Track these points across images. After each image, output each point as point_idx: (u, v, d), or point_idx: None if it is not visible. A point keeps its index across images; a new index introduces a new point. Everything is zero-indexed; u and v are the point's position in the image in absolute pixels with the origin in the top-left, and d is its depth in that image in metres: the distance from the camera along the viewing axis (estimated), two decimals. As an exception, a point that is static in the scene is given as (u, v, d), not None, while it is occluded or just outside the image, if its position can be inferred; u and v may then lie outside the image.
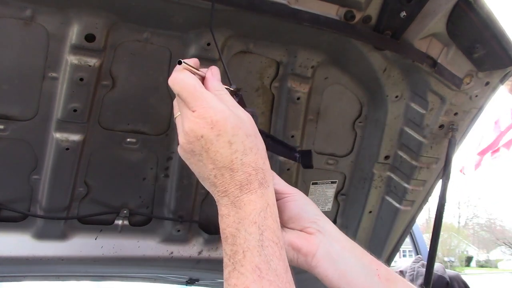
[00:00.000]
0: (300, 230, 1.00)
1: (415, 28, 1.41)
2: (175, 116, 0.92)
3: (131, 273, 1.99)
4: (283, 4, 1.27)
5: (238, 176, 0.80)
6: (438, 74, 1.53)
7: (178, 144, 0.87)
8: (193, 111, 0.82)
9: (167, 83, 0.90)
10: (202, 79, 0.91)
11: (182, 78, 0.86)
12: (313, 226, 1.00)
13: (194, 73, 0.88)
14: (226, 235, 0.81)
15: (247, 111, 1.00)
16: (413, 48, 1.46)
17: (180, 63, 0.87)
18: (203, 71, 0.92)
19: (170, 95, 1.52)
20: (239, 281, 0.74)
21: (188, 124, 0.82)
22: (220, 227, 0.83)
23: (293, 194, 1.03)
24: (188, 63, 0.88)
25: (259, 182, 0.81)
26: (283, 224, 1.01)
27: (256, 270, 0.74)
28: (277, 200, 1.01)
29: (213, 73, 0.92)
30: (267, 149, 1.05)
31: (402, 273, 2.50)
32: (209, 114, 0.81)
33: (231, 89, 1.06)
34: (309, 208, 1.03)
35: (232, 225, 0.80)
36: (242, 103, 1.06)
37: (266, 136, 1.11)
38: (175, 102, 0.92)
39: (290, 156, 1.20)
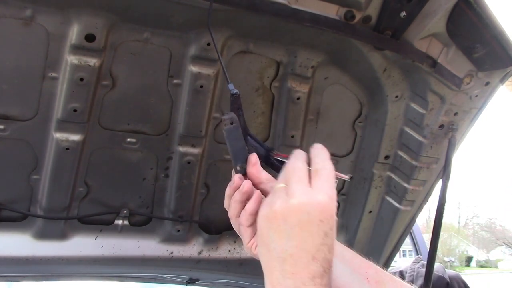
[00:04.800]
0: None
1: (415, 28, 1.41)
2: (277, 186, 0.87)
3: (131, 273, 1.99)
4: (283, 4, 1.27)
5: (315, 267, 0.78)
6: (438, 74, 1.53)
7: (270, 207, 0.83)
8: (315, 188, 0.81)
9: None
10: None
11: (331, 162, 0.86)
12: None
13: None
14: None
15: (225, 116, 1.01)
16: (413, 48, 1.46)
17: (352, 178, 0.89)
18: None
19: (170, 95, 1.53)
20: None
21: (302, 196, 0.79)
22: None
23: None
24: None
25: (327, 281, 0.80)
26: None
27: None
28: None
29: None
30: (249, 151, 1.03)
31: (402, 273, 2.49)
32: (326, 199, 0.80)
33: (232, 93, 1.05)
34: None
35: None
36: (238, 107, 1.05)
37: (256, 142, 1.08)
38: (283, 177, 0.88)
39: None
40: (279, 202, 0.81)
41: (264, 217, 0.84)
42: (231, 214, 1.05)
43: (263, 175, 1.00)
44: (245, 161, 1.02)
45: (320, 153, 0.89)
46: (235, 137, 1.03)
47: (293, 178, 0.84)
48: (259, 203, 0.97)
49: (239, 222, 1.03)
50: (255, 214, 0.97)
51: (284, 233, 0.80)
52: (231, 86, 1.05)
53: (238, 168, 1.02)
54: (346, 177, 0.93)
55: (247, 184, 0.98)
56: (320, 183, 0.82)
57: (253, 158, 1.00)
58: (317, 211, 0.78)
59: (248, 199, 0.99)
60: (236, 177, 1.00)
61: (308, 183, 0.83)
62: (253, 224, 0.99)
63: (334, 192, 0.82)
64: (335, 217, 0.81)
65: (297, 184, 0.82)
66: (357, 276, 1.01)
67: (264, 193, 1.00)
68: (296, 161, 0.88)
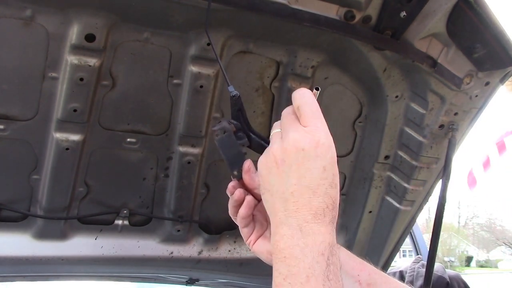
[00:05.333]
0: None
1: (415, 28, 1.41)
2: (272, 132, 0.90)
3: (131, 273, 1.99)
4: (283, 4, 1.27)
5: (316, 202, 0.78)
6: (438, 74, 1.53)
7: (270, 152, 0.85)
8: (306, 126, 0.82)
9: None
10: None
11: (310, 96, 0.88)
12: None
13: None
14: (284, 255, 0.77)
15: (216, 127, 1.02)
16: (413, 48, 1.46)
17: (318, 89, 0.91)
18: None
19: (170, 95, 1.53)
20: None
21: (294, 134, 0.81)
22: (275, 245, 0.80)
23: None
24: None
25: (331, 219, 0.80)
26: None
27: None
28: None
29: None
30: (249, 146, 1.05)
31: (402, 273, 2.49)
32: (319, 134, 0.81)
33: (231, 95, 1.05)
34: None
35: (295, 247, 0.77)
36: (239, 108, 1.05)
37: (256, 136, 1.09)
38: (279, 123, 0.90)
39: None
40: (275, 146, 0.84)
41: (263, 164, 0.86)
42: (231, 215, 1.07)
43: (256, 181, 1.00)
44: (241, 166, 1.03)
45: (297, 92, 0.90)
46: (229, 145, 1.04)
47: (285, 122, 0.86)
48: (251, 208, 1.02)
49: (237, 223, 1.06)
50: (247, 217, 1.02)
51: (284, 174, 0.81)
52: (231, 88, 1.06)
53: (235, 173, 1.03)
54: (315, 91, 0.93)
55: (237, 194, 1.01)
56: (307, 120, 0.83)
57: (246, 165, 1.01)
58: (312, 146, 0.80)
59: (241, 205, 1.02)
60: (230, 186, 1.03)
61: (300, 123, 0.85)
62: (248, 225, 1.03)
63: (323, 124, 0.84)
64: (332, 151, 0.81)
65: (289, 125, 0.84)
66: (349, 278, 1.01)
67: (258, 198, 1.02)
68: (288, 108, 0.90)
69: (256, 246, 1.05)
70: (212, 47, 1.20)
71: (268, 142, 1.07)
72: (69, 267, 1.72)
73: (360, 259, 1.06)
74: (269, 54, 1.54)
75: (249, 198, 1.02)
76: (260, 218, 1.05)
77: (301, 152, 0.80)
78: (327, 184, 0.80)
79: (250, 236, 1.05)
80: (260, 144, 1.06)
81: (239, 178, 1.03)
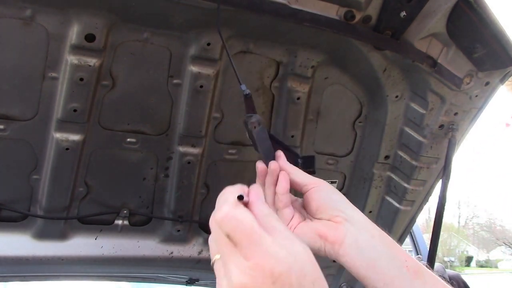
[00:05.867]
0: (328, 220, 0.99)
1: (415, 28, 1.41)
2: (212, 260, 0.72)
3: (131, 273, 1.99)
4: (283, 4, 1.27)
5: None
6: (438, 74, 1.53)
7: None
8: (248, 260, 0.65)
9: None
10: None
11: (236, 216, 0.68)
12: (340, 215, 0.98)
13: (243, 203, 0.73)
14: None
15: (252, 119, 1.09)
16: (413, 48, 1.46)
17: (241, 198, 0.71)
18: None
19: (170, 95, 1.53)
20: None
21: (239, 277, 0.64)
22: None
23: (319, 185, 1.03)
24: (245, 197, 0.73)
25: None
26: (312, 215, 1.02)
27: None
28: (303, 192, 1.04)
29: (256, 194, 0.77)
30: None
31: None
32: (269, 265, 0.64)
33: (244, 94, 1.09)
34: (335, 197, 1.03)
35: None
36: (252, 107, 1.09)
37: (271, 138, 1.13)
38: (211, 242, 0.74)
39: (293, 162, 1.20)
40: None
41: None
42: (269, 204, 1.04)
43: (289, 167, 1.03)
44: (274, 158, 1.08)
45: (219, 217, 0.70)
46: (263, 137, 1.10)
47: (223, 250, 0.69)
48: (288, 182, 1.02)
49: (275, 207, 1.03)
50: (286, 193, 1.02)
51: None
52: (243, 87, 1.09)
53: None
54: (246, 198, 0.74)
55: (273, 164, 1.02)
56: (245, 251, 0.66)
57: (279, 152, 1.06)
58: (267, 284, 0.63)
59: (276, 182, 1.03)
60: (261, 163, 1.06)
61: (239, 254, 0.67)
62: (288, 205, 1.02)
63: (267, 245, 0.66)
64: (298, 267, 0.65)
65: (229, 259, 0.67)
66: (397, 262, 0.94)
67: (294, 185, 1.03)
68: (214, 232, 0.72)
69: (299, 229, 1.00)
70: (224, 45, 1.20)
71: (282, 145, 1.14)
72: (69, 267, 1.72)
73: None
74: (269, 54, 1.54)
75: (282, 172, 1.02)
76: (297, 206, 1.06)
77: None
78: None
79: (291, 219, 1.01)
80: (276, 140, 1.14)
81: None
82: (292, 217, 1.02)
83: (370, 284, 0.92)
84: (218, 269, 0.70)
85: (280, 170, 1.04)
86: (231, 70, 1.52)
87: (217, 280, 0.69)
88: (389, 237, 0.99)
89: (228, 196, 0.73)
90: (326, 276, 0.70)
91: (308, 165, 1.17)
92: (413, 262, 0.94)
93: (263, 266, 0.64)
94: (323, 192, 1.02)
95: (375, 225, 0.99)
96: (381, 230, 0.98)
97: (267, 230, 0.69)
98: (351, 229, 0.96)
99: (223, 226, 0.68)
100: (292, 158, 1.15)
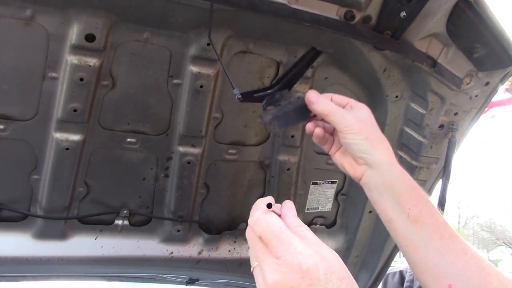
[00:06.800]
0: (354, 160, 1.18)
1: (415, 28, 1.41)
2: (252, 267, 0.79)
3: (131, 273, 1.99)
4: (283, 4, 1.27)
5: None
6: (438, 74, 1.53)
7: None
8: (278, 258, 0.72)
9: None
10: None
11: (266, 219, 0.78)
12: (364, 158, 1.14)
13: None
14: None
15: (298, 100, 1.21)
16: (413, 48, 1.46)
17: (269, 206, 0.81)
18: (277, 206, 0.86)
19: (170, 95, 1.53)
20: None
21: (272, 275, 0.70)
22: None
23: (350, 128, 1.14)
24: (274, 208, 0.82)
25: None
26: (345, 148, 1.19)
27: None
28: (342, 132, 1.15)
29: (288, 208, 0.86)
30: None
31: (402, 273, 2.49)
32: (297, 261, 0.70)
33: (236, 97, 1.15)
34: (366, 142, 1.14)
35: None
36: (287, 98, 1.25)
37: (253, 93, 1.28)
38: (251, 252, 0.82)
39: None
40: None
41: None
42: (321, 136, 1.23)
43: (323, 103, 1.18)
44: (308, 116, 1.23)
45: (253, 220, 0.80)
46: (287, 119, 1.22)
47: (257, 255, 0.77)
48: (322, 129, 1.22)
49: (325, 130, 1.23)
50: (321, 136, 1.23)
51: None
52: (235, 91, 1.12)
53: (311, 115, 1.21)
54: (278, 211, 0.85)
55: (312, 92, 1.18)
56: (275, 249, 0.73)
57: (308, 96, 1.18)
58: (297, 280, 0.69)
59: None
60: (309, 124, 1.24)
61: (271, 255, 0.73)
62: (326, 142, 1.25)
63: (295, 244, 0.73)
64: (325, 265, 0.70)
65: (262, 260, 0.74)
66: (399, 208, 1.09)
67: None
68: (249, 231, 0.81)
69: (337, 158, 1.23)
70: (214, 50, 1.22)
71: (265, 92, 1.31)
72: (69, 267, 1.72)
73: (421, 194, 1.11)
74: (269, 54, 1.54)
75: (320, 122, 1.21)
76: (336, 138, 1.23)
77: None
78: None
79: (330, 149, 1.25)
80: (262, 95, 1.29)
81: (313, 117, 1.22)
82: (331, 146, 1.24)
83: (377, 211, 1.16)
84: (256, 274, 0.76)
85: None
86: (232, 70, 1.52)
87: (257, 286, 0.76)
88: (407, 184, 1.11)
89: (259, 204, 0.82)
90: None
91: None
92: (417, 212, 1.06)
93: (291, 262, 0.70)
94: (360, 138, 1.14)
95: (397, 170, 1.13)
96: (402, 176, 1.12)
97: (298, 236, 0.76)
98: (367, 172, 1.15)
99: (255, 229, 0.77)
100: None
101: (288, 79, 1.43)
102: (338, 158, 1.23)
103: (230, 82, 1.15)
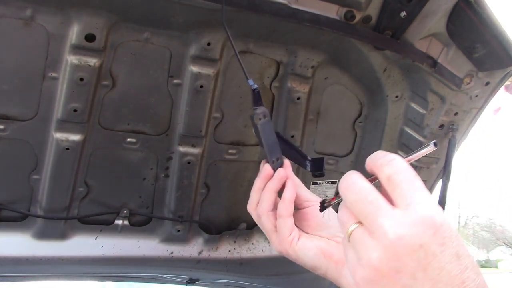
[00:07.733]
0: (329, 239, 0.96)
1: (415, 28, 1.41)
2: (348, 233, 0.64)
3: (131, 273, 1.99)
4: (283, 4, 1.27)
5: None
6: (438, 74, 1.53)
7: (356, 273, 0.60)
8: (407, 205, 0.58)
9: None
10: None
11: (399, 161, 0.66)
12: (341, 236, 0.94)
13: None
14: None
15: (258, 110, 1.02)
16: (413, 48, 1.46)
17: (436, 144, 0.69)
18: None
19: (170, 95, 1.53)
20: None
21: (393, 228, 0.57)
22: None
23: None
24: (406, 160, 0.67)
25: None
26: (309, 231, 0.99)
27: None
28: (303, 207, 1.01)
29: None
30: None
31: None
32: (430, 213, 0.57)
33: (252, 88, 1.06)
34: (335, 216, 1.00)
35: None
36: (260, 103, 1.07)
37: (281, 139, 1.10)
38: (343, 214, 0.66)
39: (301, 164, 1.16)
40: (372, 254, 0.59)
41: (365, 280, 0.60)
42: (264, 209, 0.98)
43: (295, 178, 0.99)
44: (278, 154, 1.03)
45: (375, 156, 0.66)
46: (269, 131, 1.04)
47: (365, 208, 0.61)
48: (295, 191, 0.97)
49: (278, 214, 0.96)
50: (293, 201, 0.96)
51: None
52: (251, 82, 1.06)
53: (274, 160, 1.01)
54: (430, 148, 0.70)
55: (282, 171, 0.96)
56: (404, 193, 0.60)
57: (287, 162, 1.01)
58: (429, 235, 0.56)
59: (282, 188, 0.97)
60: (268, 167, 1.00)
61: (390, 205, 0.60)
62: (290, 216, 0.96)
63: (428, 195, 0.61)
64: (452, 227, 0.58)
65: (376, 215, 0.59)
66: None
67: (296, 198, 0.98)
68: (353, 181, 0.64)
69: (302, 242, 0.95)
70: (230, 42, 1.16)
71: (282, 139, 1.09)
72: (69, 267, 1.72)
73: None
74: (269, 54, 1.54)
75: (289, 180, 0.97)
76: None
77: (419, 251, 0.56)
78: (472, 273, 0.57)
79: (292, 231, 0.95)
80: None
81: (279, 167, 1.02)
82: (295, 227, 0.98)
83: None
84: (358, 238, 0.61)
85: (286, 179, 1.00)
86: (231, 70, 1.52)
87: (356, 254, 0.61)
88: None
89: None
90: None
91: (317, 168, 1.12)
92: None
93: (423, 214, 0.57)
94: (326, 210, 1.01)
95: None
96: None
97: None
98: None
99: (384, 169, 0.62)
100: (300, 160, 1.12)
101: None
102: (311, 243, 0.97)
103: (244, 73, 1.11)
